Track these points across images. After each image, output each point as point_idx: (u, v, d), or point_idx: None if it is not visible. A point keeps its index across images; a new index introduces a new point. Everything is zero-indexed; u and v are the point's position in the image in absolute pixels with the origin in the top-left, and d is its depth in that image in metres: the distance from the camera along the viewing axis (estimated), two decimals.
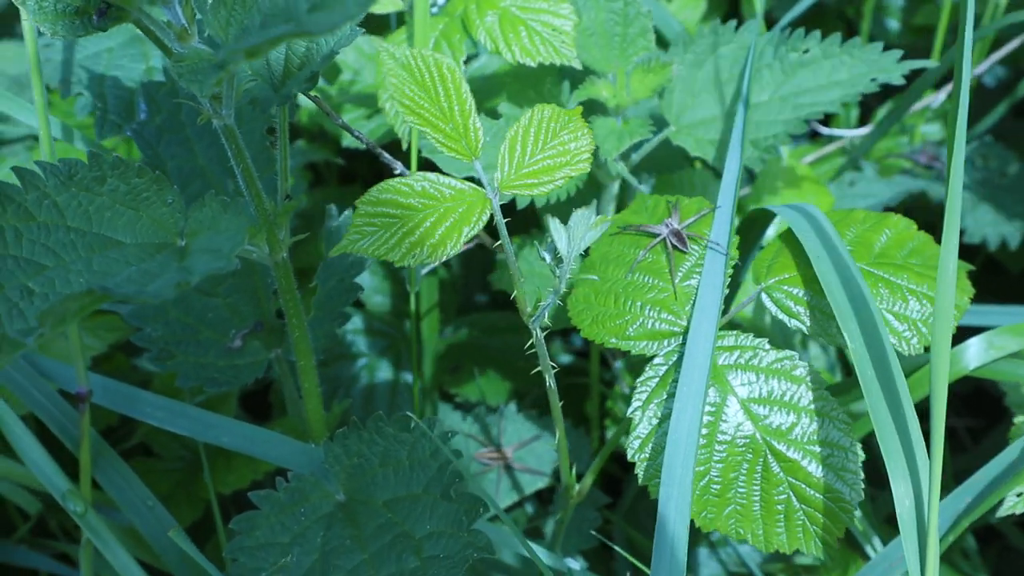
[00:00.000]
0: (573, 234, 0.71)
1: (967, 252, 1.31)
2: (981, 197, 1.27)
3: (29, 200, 0.67)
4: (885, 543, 0.95)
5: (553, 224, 0.71)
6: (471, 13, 0.94)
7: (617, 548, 0.90)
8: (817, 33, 0.93)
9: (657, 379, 0.79)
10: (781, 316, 0.80)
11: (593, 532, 1.02)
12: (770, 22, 1.35)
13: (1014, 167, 1.30)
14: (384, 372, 1.22)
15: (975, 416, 1.33)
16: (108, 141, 1.18)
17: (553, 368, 0.80)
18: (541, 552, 0.85)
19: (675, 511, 0.72)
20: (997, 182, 1.28)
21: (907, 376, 0.76)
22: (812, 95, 0.92)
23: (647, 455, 0.77)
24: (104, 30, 0.68)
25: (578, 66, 0.91)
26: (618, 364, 1.18)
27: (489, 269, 1.17)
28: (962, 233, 1.22)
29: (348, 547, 0.79)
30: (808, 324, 0.80)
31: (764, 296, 0.82)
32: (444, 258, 0.71)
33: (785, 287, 0.81)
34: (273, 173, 0.90)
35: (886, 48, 0.95)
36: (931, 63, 0.96)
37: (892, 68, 0.91)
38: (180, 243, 0.69)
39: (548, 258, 0.73)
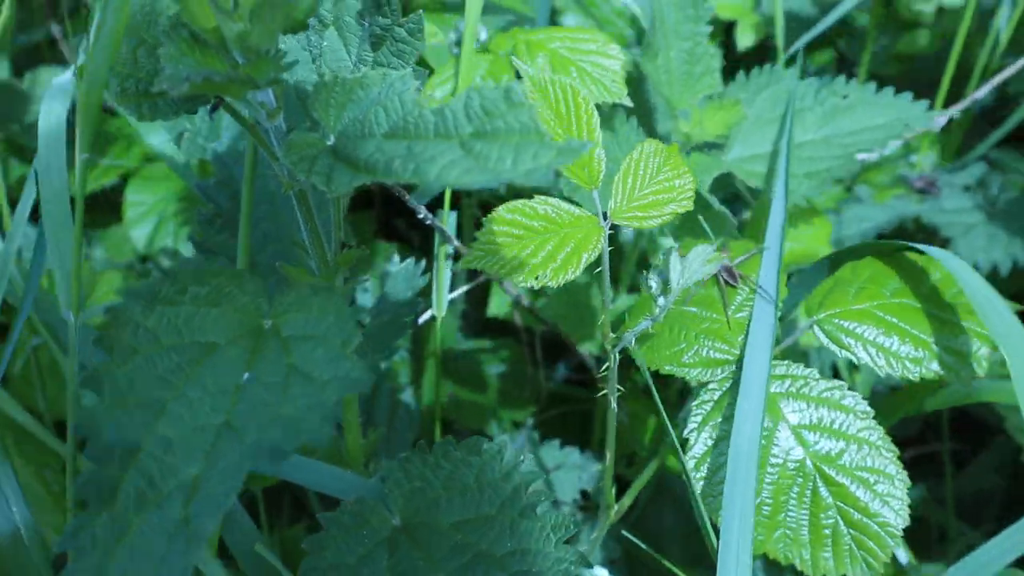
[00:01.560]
0: (689, 267, 0.73)
1: None
2: (975, 221, 1.29)
3: (127, 336, 0.65)
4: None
5: (672, 256, 0.73)
6: (521, 53, 0.95)
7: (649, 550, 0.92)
8: (855, 81, 0.97)
9: (712, 403, 0.81)
10: (832, 347, 0.83)
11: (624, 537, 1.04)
12: (767, 49, 1.38)
13: (1006, 194, 1.33)
14: (383, 398, 1.22)
15: (958, 440, 1.36)
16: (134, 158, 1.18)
17: (619, 389, 0.82)
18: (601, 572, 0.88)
19: (738, 531, 0.75)
20: (989, 208, 1.31)
21: None
22: (853, 137, 0.95)
23: (703, 474, 0.80)
24: (194, 112, 0.69)
25: (629, 104, 0.93)
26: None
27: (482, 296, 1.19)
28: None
29: (420, 568, 0.79)
30: (858, 355, 0.82)
31: (816, 328, 0.84)
32: (565, 280, 0.73)
33: (836, 320, 0.84)
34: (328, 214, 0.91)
35: (883, 84, 1.00)
36: (955, 110, 0.99)
37: (921, 116, 0.97)
38: (267, 324, 0.67)
39: (654, 285, 0.75)
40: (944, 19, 1.46)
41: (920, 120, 0.95)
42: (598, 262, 0.75)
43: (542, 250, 0.74)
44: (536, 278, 0.73)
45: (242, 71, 0.60)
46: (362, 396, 1.21)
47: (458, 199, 1.22)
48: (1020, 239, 1.27)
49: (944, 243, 1.29)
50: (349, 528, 0.81)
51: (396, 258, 1.00)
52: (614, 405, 0.82)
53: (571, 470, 1.13)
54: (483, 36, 1.01)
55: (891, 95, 0.97)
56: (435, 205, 1.01)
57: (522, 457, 0.84)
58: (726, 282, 0.84)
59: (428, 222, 0.92)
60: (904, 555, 0.98)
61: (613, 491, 0.93)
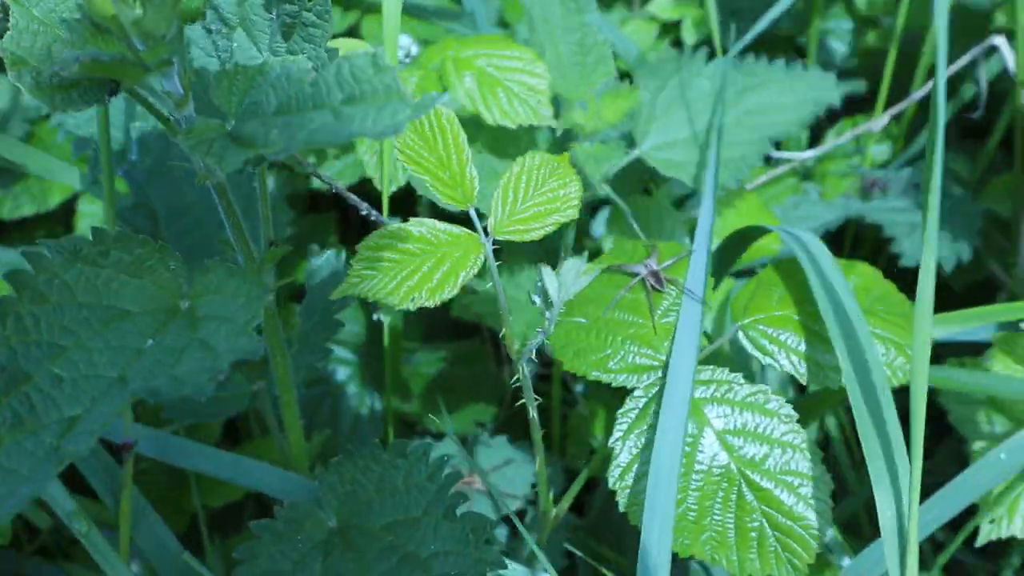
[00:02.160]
0: (564, 281, 0.72)
1: (906, 273, 1.33)
2: (918, 221, 1.28)
3: (40, 282, 0.67)
4: (844, 549, 0.98)
5: (545, 272, 0.73)
6: (448, 71, 0.95)
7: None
8: (764, 59, 0.95)
9: (637, 411, 0.81)
10: (756, 354, 0.82)
11: (567, 546, 1.03)
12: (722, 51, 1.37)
13: (953, 191, 1.32)
14: (352, 398, 1.22)
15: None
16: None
17: (536, 400, 0.81)
18: (520, 570, 0.87)
19: (658, 538, 0.75)
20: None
21: None
22: (763, 117, 0.94)
23: (628, 483, 0.79)
24: (105, 104, 0.69)
25: (554, 124, 0.93)
26: (579, 388, 1.19)
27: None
28: (899, 256, 1.24)
29: (352, 571, 0.80)
30: (781, 363, 0.82)
31: (740, 334, 0.84)
32: (441, 300, 0.73)
33: (760, 327, 0.84)
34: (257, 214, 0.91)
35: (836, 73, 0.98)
36: (861, 84, 0.97)
37: (831, 89, 0.97)
38: (184, 305, 0.69)
39: (538, 301, 0.74)
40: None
41: (829, 95, 0.94)
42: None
43: (418, 272, 0.74)
44: (411, 300, 0.73)
45: (138, 54, 0.61)
46: (311, 399, 1.21)
47: (412, 207, 1.21)
48: (964, 237, 1.26)
49: (888, 241, 1.28)
50: (283, 534, 0.82)
51: (315, 248, 0.99)
52: (532, 415, 0.82)
53: (522, 465, 1.12)
54: (414, 50, 1.01)
55: (800, 71, 0.95)
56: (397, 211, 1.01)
57: (447, 457, 0.84)
58: (652, 287, 0.84)
59: (373, 218, 0.91)
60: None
61: (550, 496, 0.92)
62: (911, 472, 0.75)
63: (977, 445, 0.94)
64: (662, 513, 0.75)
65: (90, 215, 1.22)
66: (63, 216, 1.27)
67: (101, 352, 0.65)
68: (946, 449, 1.28)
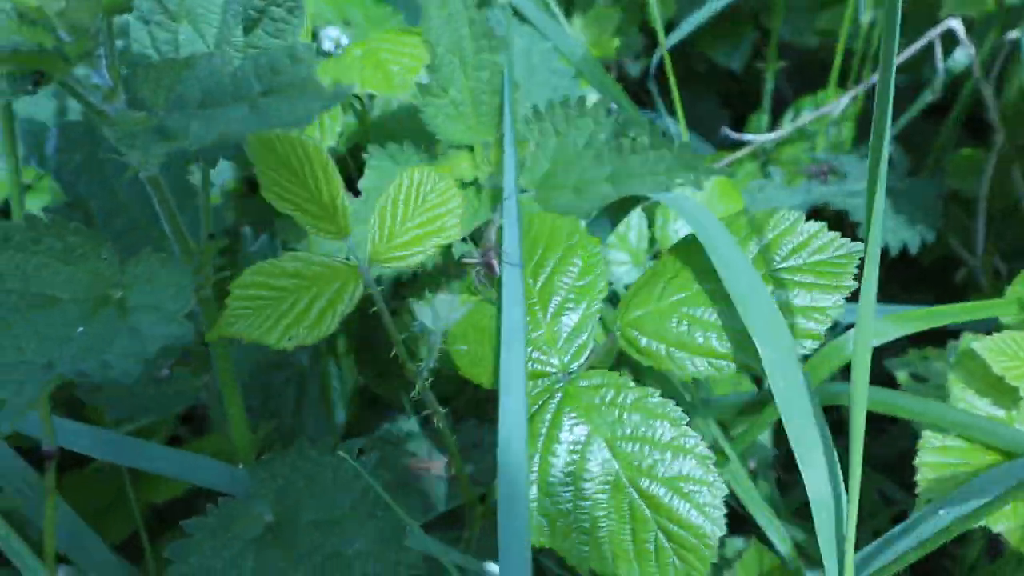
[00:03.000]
0: (437, 315, 0.68)
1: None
2: (884, 205, 1.22)
3: None
4: (796, 537, 0.93)
5: (417, 307, 0.68)
6: (351, 57, 0.92)
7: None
8: (645, 120, 0.89)
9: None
10: (637, 357, 0.76)
11: None
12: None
13: (914, 171, 1.27)
14: (313, 381, 1.18)
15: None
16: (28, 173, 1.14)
17: (443, 411, 0.78)
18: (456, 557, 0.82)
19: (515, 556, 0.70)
20: (897, 187, 1.24)
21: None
22: (632, 182, 0.88)
23: None
24: (32, 92, 0.66)
25: (411, 101, 0.90)
26: None
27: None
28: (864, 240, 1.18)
29: (281, 569, 0.76)
30: (660, 362, 0.75)
31: (618, 335, 0.77)
32: (320, 338, 0.68)
33: (639, 325, 0.76)
34: (195, 205, 0.88)
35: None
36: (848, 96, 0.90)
37: (701, 171, 0.87)
38: (116, 295, 0.67)
39: (418, 329, 0.70)
40: None
41: (693, 176, 0.87)
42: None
43: (294, 308, 0.68)
44: (288, 339, 0.68)
45: (61, 45, 0.59)
46: (277, 384, 1.18)
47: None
48: (927, 218, 1.20)
49: (855, 227, 1.22)
50: (216, 531, 0.79)
51: (248, 232, 0.95)
52: (440, 425, 0.77)
53: (490, 449, 1.08)
54: (344, 41, 0.98)
55: (677, 145, 0.88)
56: None
57: (373, 455, 0.81)
58: (488, 274, 0.78)
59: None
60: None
61: (476, 496, 0.89)
62: (847, 511, 0.69)
63: (926, 454, 0.87)
64: (516, 539, 0.69)
65: (35, 211, 1.19)
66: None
67: (29, 338, 0.64)
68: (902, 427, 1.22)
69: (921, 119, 1.30)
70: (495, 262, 0.77)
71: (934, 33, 1.18)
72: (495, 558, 0.97)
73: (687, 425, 0.73)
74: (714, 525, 0.71)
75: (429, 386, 0.75)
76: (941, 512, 0.75)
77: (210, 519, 0.79)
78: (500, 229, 0.79)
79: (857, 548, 0.73)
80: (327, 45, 1.03)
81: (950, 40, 1.20)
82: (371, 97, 0.92)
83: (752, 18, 1.45)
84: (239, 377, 0.92)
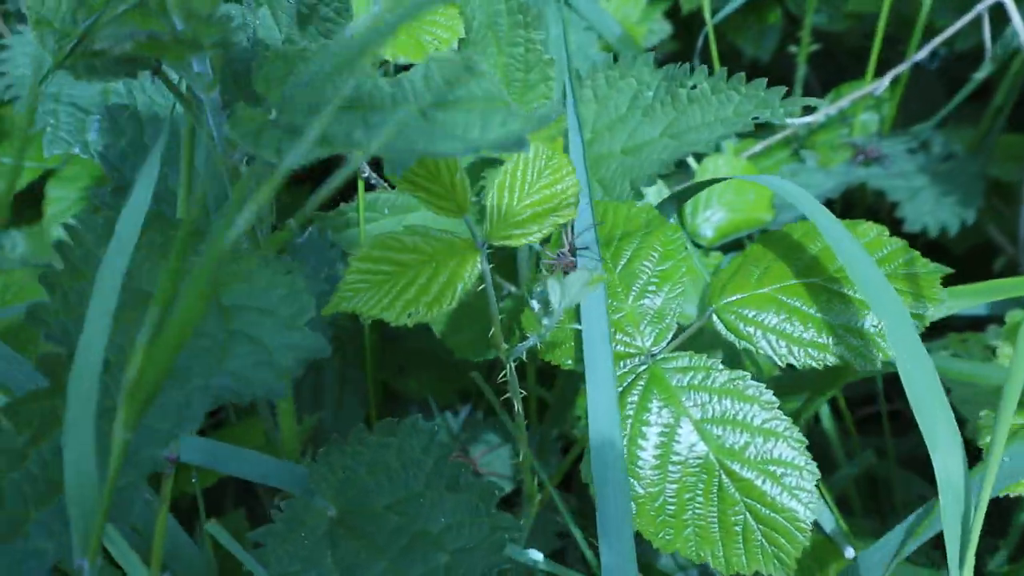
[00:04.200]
0: (568, 291, 0.67)
1: (908, 238, 1.28)
2: (921, 184, 1.24)
3: (77, 257, 0.63)
4: (848, 538, 0.93)
5: (551, 281, 0.67)
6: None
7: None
8: (704, 68, 0.88)
9: None
10: (731, 338, 0.78)
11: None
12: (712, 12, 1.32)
13: (956, 153, 1.28)
14: (331, 374, 1.18)
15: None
16: (55, 157, 1.14)
17: (522, 394, 0.78)
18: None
19: (616, 531, 0.71)
20: (937, 169, 1.26)
21: None
22: (697, 133, 0.86)
23: None
24: (133, 76, 0.65)
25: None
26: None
27: None
28: (902, 221, 1.20)
29: (364, 559, 0.76)
30: (759, 345, 0.77)
31: (715, 318, 0.79)
32: (441, 313, 0.69)
33: (737, 308, 0.78)
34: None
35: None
36: (822, 102, 0.90)
37: (775, 105, 0.85)
38: None
39: (536, 305, 0.70)
40: None
41: (773, 110, 0.86)
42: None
43: (414, 284, 0.68)
44: (409, 315, 0.68)
45: (186, 33, 0.58)
46: (305, 378, 1.18)
47: None
48: (967, 200, 1.22)
49: (892, 207, 1.23)
50: (285, 535, 0.78)
51: (293, 224, 0.93)
52: (518, 408, 0.78)
53: (505, 446, 1.09)
54: (375, 8, 0.98)
55: (743, 82, 0.87)
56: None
57: (437, 428, 0.81)
58: (565, 271, 0.78)
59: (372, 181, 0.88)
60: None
61: (535, 482, 0.89)
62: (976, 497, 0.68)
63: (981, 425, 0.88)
64: (615, 504, 0.70)
65: (58, 200, 1.18)
66: (31, 198, 1.24)
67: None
68: None
69: (966, 100, 1.31)
70: (574, 260, 0.77)
71: (982, 6, 1.18)
72: (539, 547, 0.98)
73: (778, 409, 0.74)
74: (807, 509, 0.73)
75: (451, 379, 0.75)
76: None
77: (277, 525, 0.79)
78: (572, 225, 0.80)
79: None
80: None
81: (1001, 16, 1.20)
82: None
83: (778, 4, 1.46)
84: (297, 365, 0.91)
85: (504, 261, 0.92)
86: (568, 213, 0.71)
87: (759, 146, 1.32)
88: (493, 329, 0.73)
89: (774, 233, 0.83)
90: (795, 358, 0.76)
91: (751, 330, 0.77)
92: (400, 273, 0.69)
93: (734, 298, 0.79)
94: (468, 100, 0.53)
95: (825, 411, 1.13)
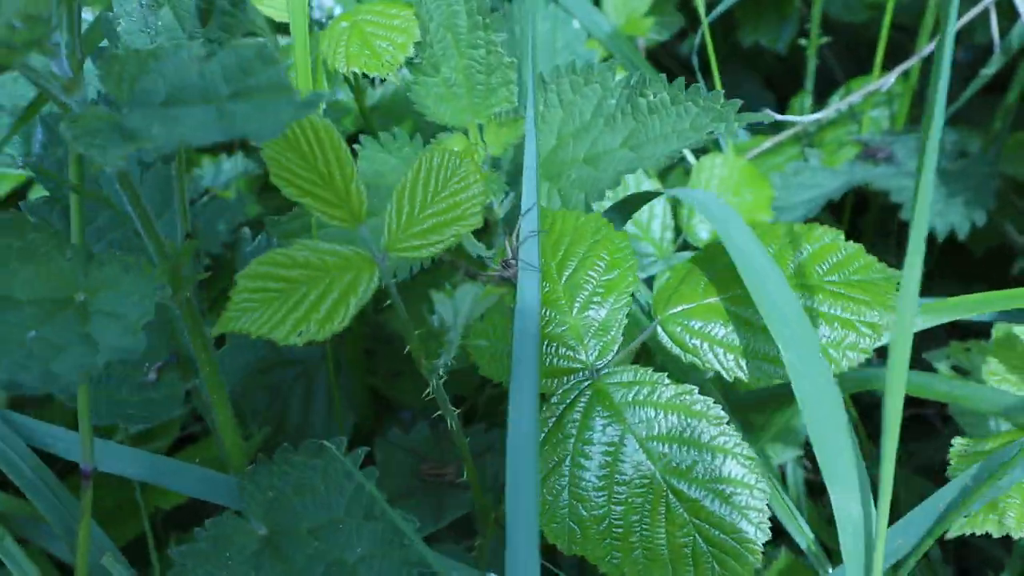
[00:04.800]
0: (459, 308, 0.65)
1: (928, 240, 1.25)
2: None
3: None
4: (827, 544, 0.92)
5: (439, 299, 0.65)
6: (336, 29, 0.92)
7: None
8: (663, 77, 0.86)
9: (554, 419, 0.74)
10: (677, 351, 0.76)
11: None
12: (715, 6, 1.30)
13: (968, 151, 1.24)
14: (321, 380, 1.17)
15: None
16: None
17: (454, 411, 0.76)
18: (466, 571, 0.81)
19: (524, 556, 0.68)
20: (947, 168, 1.22)
21: None
22: (655, 145, 0.84)
23: (545, 496, 0.73)
24: None
25: (395, 81, 0.89)
26: None
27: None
28: (908, 225, 1.17)
29: None
30: (705, 359, 0.75)
31: (659, 330, 0.77)
32: (332, 332, 0.66)
33: (683, 320, 0.77)
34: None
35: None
36: (773, 116, 0.88)
37: (731, 119, 0.83)
38: (79, 298, 0.65)
39: (436, 323, 0.68)
40: None
41: (728, 123, 0.83)
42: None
43: (304, 301, 0.66)
44: (299, 334, 0.65)
45: (14, 34, 0.56)
46: (283, 382, 1.17)
47: None
48: (978, 200, 1.18)
49: (896, 208, 1.20)
50: (209, 555, 0.78)
51: (247, 233, 0.93)
52: (453, 426, 0.76)
53: (497, 454, 1.07)
54: (337, 11, 0.97)
55: (700, 94, 0.84)
56: None
57: (360, 452, 0.79)
58: (512, 284, 0.77)
59: None
60: None
61: (488, 502, 0.87)
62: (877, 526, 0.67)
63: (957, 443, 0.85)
64: (525, 531, 0.67)
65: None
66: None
67: None
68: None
69: (978, 96, 1.27)
70: (515, 270, 0.76)
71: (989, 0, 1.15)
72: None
73: (727, 424, 0.72)
74: (758, 530, 0.72)
75: (444, 386, 0.74)
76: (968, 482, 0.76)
77: (200, 544, 0.78)
78: (518, 233, 0.78)
79: None
80: (316, 14, 1.02)
81: (1010, 9, 1.17)
82: (365, 76, 0.90)
83: None
84: (240, 378, 0.91)
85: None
86: (472, 223, 0.69)
87: (769, 143, 1.29)
88: (409, 346, 0.72)
89: (720, 242, 0.80)
90: (743, 372, 0.74)
91: (697, 343, 0.75)
92: (290, 290, 0.66)
93: (679, 308, 0.77)
94: (257, 90, 0.53)
95: None
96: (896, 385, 0.64)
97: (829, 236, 0.80)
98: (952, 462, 0.81)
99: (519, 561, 0.66)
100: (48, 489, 0.85)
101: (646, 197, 0.90)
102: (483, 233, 0.89)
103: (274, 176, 0.67)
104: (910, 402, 1.09)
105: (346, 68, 0.88)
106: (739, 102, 0.83)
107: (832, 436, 0.68)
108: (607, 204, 0.91)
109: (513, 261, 0.76)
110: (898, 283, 0.77)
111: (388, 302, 0.70)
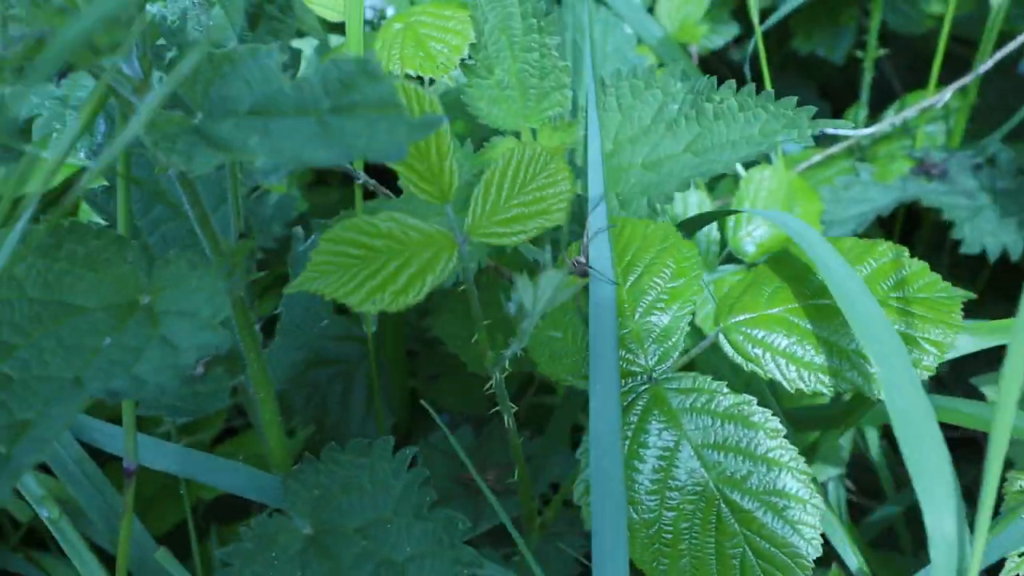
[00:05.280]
0: (540, 294, 0.66)
1: (971, 261, 1.25)
2: (982, 203, 1.20)
3: None
4: (870, 568, 0.91)
5: (521, 282, 0.66)
6: (389, 29, 0.92)
7: None
8: (732, 83, 0.86)
9: None
10: (738, 359, 0.76)
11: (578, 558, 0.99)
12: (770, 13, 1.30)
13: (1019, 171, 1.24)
14: (360, 380, 1.18)
15: None
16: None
17: (512, 408, 0.77)
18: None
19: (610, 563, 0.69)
20: (1001, 187, 1.22)
21: None
22: (720, 151, 0.85)
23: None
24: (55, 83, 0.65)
25: (451, 83, 0.89)
26: None
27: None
28: (960, 243, 1.17)
29: None
30: (766, 368, 0.75)
31: (721, 337, 0.77)
32: (405, 305, 0.66)
33: (745, 328, 0.77)
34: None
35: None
36: (847, 124, 0.88)
37: (803, 126, 0.83)
38: (144, 300, 0.65)
39: (512, 309, 0.68)
40: None
41: (800, 131, 0.83)
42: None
43: (383, 271, 0.66)
44: (372, 302, 0.66)
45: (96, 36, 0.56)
46: (323, 380, 1.18)
47: None
48: None
49: (948, 225, 1.20)
50: (254, 554, 0.79)
51: (300, 232, 0.93)
52: (509, 423, 0.77)
53: (537, 462, 1.08)
54: (390, 12, 0.97)
55: (772, 100, 0.85)
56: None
57: (409, 452, 0.80)
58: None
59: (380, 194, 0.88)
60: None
61: (534, 504, 0.88)
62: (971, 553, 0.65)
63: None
64: (611, 538, 0.68)
65: None
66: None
67: (54, 351, 0.61)
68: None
69: None
70: (588, 268, 0.77)
71: None
72: (557, 573, 0.96)
73: (785, 437, 0.72)
74: (809, 545, 0.72)
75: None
76: None
77: (244, 543, 0.79)
78: (587, 230, 0.79)
79: None
80: (369, 14, 1.03)
81: None
82: (417, 78, 0.90)
83: (855, 3, 1.43)
84: (279, 376, 0.91)
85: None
86: (557, 218, 0.69)
87: (819, 155, 1.29)
88: (476, 335, 0.72)
89: (787, 253, 0.82)
90: (804, 383, 0.75)
91: (759, 352, 0.76)
92: (370, 258, 0.67)
93: (742, 317, 0.78)
94: (362, 105, 0.52)
95: (874, 438, 1.10)
96: (1003, 423, 0.63)
97: (893, 252, 0.80)
98: (1007, 497, 0.81)
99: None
100: (90, 482, 0.86)
101: (718, 214, 0.91)
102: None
103: None
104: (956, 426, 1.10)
105: (401, 70, 0.89)
106: (812, 109, 0.83)
107: (927, 451, 0.67)
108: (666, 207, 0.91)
109: (583, 259, 0.77)
110: (962, 302, 0.78)
111: (431, 306, 0.71)
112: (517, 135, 0.91)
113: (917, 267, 0.79)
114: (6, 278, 0.63)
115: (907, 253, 0.80)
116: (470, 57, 0.90)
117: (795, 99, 0.84)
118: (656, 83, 0.89)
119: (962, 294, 0.78)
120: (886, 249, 0.80)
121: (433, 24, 0.93)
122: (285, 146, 0.52)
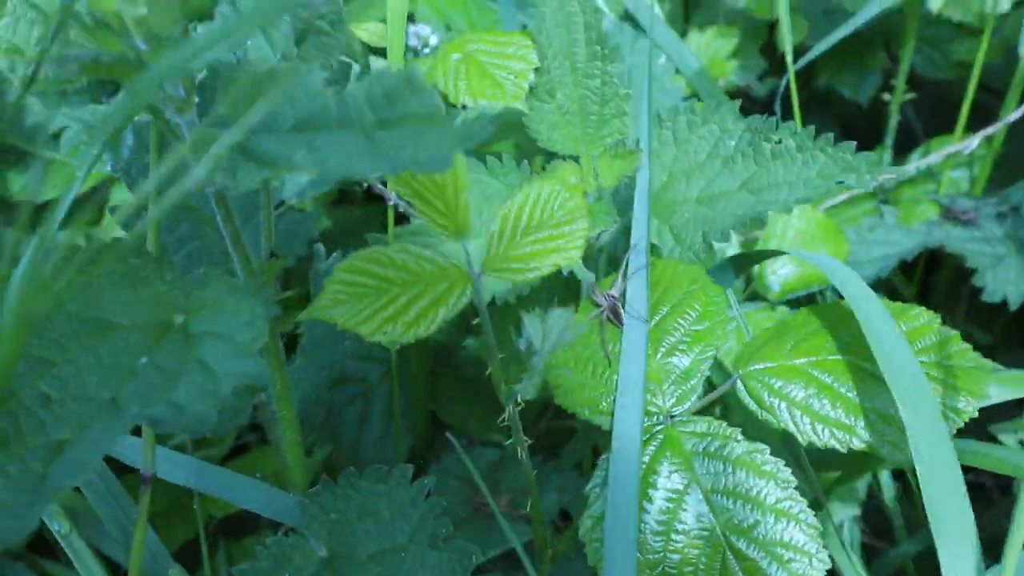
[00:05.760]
0: (548, 332, 0.67)
1: (992, 310, 1.26)
2: (1005, 251, 1.22)
3: None
4: None
5: (530, 321, 0.67)
6: (445, 58, 0.94)
7: None
8: (791, 124, 0.88)
9: None
10: (752, 406, 0.78)
11: None
12: (803, 51, 1.32)
13: None
14: (379, 400, 1.20)
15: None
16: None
17: (526, 440, 0.78)
18: None
19: None
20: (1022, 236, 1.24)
21: None
22: (777, 191, 0.87)
23: (599, 535, 0.74)
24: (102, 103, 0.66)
25: (523, 108, 0.91)
26: None
27: None
28: (980, 291, 1.18)
29: None
30: (780, 417, 0.77)
31: (739, 384, 0.79)
32: (416, 337, 0.68)
33: (764, 377, 0.78)
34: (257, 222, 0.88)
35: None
36: (903, 171, 0.88)
37: (862, 171, 0.85)
38: (178, 320, 0.65)
39: (523, 347, 0.70)
40: (1004, 27, 1.38)
41: (858, 177, 0.84)
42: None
43: (395, 302, 0.68)
44: (384, 332, 0.68)
45: (139, 56, 0.58)
46: (341, 400, 1.19)
47: None
48: None
49: (970, 274, 1.21)
50: (269, 574, 0.80)
51: (321, 250, 0.94)
52: (522, 456, 0.78)
53: (551, 487, 1.09)
54: (433, 41, 0.99)
55: (831, 143, 0.86)
56: None
57: (427, 482, 0.81)
58: (610, 320, 0.79)
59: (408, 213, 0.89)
60: None
61: (547, 537, 0.89)
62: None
63: None
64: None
65: (122, 204, 1.22)
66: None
67: (92, 369, 0.61)
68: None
69: None
70: (620, 309, 0.78)
71: None
72: None
73: (795, 489, 0.73)
74: None
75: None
76: None
77: (261, 562, 0.80)
78: (625, 268, 0.81)
79: None
80: (413, 42, 1.04)
81: None
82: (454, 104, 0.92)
83: (883, 46, 1.45)
84: (299, 395, 0.93)
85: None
86: (572, 256, 0.70)
87: (844, 195, 1.31)
88: (490, 368, 0.73)
89: (823, 305, 0.83)
90: (817, 437, 0.76)
91: (775, 401, 0.77)
92: (383, 289, 0.69)
93: (762, 366, 0.79)
94: (407, 119, 0.53)
95: (887, 481, 1.11)
96: None
97: (925, 317, 0.81)
98: None
99: None
100: (106, 489, 0.87)
101: (765, 254, 0.92)
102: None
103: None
104: (968, 470, 1.11)
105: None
106: (871, 155, 0.85)
107: (949, 500, 0.70)
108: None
109: (613, 295, 0.78)
110: (990, 374, 0.79)
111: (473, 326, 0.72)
112: (576, 159, 0.92)
113: (948, 334, 0.80)
114: (44, 291, 0.64)
115: (939, 320, 0.81)
116: (532, 81, 0.92)
117: (854, 144, 0.86)
118: (714, 118, 0.91)
119: (991, 365, 0.79)
120: (918, 313, 0.81)
121: (492, 52, 0.94)
122: (331, 160, 0.53)
